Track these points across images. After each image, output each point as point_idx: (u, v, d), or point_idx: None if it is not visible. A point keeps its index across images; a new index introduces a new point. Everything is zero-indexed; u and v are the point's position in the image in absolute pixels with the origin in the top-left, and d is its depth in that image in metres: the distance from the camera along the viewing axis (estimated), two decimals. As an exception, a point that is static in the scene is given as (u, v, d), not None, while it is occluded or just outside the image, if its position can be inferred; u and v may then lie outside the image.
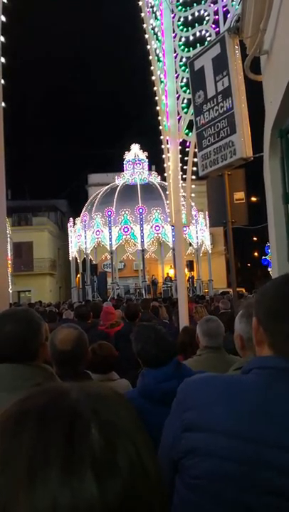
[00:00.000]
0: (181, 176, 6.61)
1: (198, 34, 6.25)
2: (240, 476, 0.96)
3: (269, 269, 29.30)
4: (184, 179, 6.62)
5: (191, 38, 6.36)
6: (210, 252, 28.35)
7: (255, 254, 42.52)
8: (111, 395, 0.55)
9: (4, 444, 0.47)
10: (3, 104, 3.00)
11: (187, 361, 2.89)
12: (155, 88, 6.69)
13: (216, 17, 5.89)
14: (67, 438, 0.46)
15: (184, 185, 6.66)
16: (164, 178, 13.53)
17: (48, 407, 0.50)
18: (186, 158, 6.51)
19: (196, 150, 5.44)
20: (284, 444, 0.94)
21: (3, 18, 3.23)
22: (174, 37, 6.55)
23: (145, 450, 0.51)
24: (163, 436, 1.18)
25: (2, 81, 3.02)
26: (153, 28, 6.65)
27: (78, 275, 27.77)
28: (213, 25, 5.95)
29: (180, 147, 6.55)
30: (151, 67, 6.69)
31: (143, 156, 28.39)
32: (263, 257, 29.93)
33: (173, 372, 2.10)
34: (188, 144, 6.44)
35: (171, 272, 25.86)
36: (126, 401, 0.56)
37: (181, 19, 6.46)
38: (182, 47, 6.48)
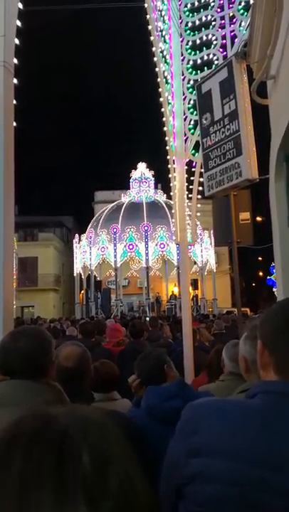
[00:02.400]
0: (187, 195, 6.66)
1: (205, 58, 6.39)
2: (240, 498, 0.96)
3: (274, 290, 29.14)
4: (189, 198, 6.67)
5: (199, 61, 6.50)
6: (215, 270, 28.31)
7: (260, 274, 42.37)
8: (99, 419, 0.55)
9: None
10: (14, 123, 3.09)
11: (208, 386, 2.83)
12: (163, 109, 6.81)
13: (224, 41, 6.03)
14: (58, 465, 0.46)
15: (189, 204, 6.71)
16: (169, 197, 13.65)
17: (38, 433, 0.49)
18: (192, 178, 6.58)
19: (202, 170, 5.49)
20: (285, 467, 0.94)
21: (17, 41, 3.33)
22: (182, 60, 6.69)
23: (135, 473, 0.51)
24: (166, 460, 1.17)
25: (14, 101, 3.12)
26: (162, 51, 6.80)
27: (82, 291, 27.77)
28: (221, 50, 6.08)
29: (186, 167, 6.62)
30: (160, 89, 6.82)
31: (149, 174, 28.68)
32: (268, 277, 29.83)
33: (176, 390, 2.08)
34: (194, 164, 6.51)
35: (176, 290, 25.79)
36: (114, 424, 0.56)
37: (190, 43, 6.61)
38: (190, 70, 6.61)
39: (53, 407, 0.56)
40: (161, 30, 6.83)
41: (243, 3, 5.76)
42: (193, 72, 6.55)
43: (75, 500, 0.44)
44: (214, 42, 6.19)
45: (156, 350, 2.51)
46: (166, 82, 6.77)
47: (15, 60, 3.28)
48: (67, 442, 0.48)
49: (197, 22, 6.45)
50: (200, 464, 1.02)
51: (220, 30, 6.11)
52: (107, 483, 0.47)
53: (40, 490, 0.44)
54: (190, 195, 6.64)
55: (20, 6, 3.39)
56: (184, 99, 6.61)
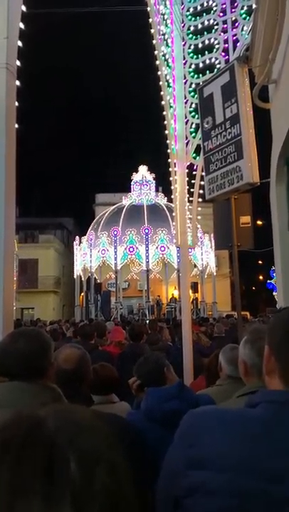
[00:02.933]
0: (188, 198, 6.67)
1: (208, 61, 6.41)
2: (240, 509, 0.94)
3: (274, 293, 29.11)
4: (190, 201, 6.68)
5: (201, 65, 6.52)
6: (215, 274, 28.29)
7: (260, 277, 42.34)
8: (89, 422, 0.54)
9: None
10: (16, 125, 3.10)
11: (206, 390, 2.80)
12: (164, 112, 6.82)
13: (226, 45, 6.06)
14: (46, 472, 0.46)
15: (190, 207, 6.71)
16: (170, 200, 13.68)
17: (26, 439, 0.49)
18: (193, 181, 6.58)
19: (204, 173, 5.50)
20: (286, 478, 0.93)
21: (20, 43, 3.35)
22: (184, 63, 6.71)
23: (124, 476, 0.51)
24: (165, 468, 1.15)
25: (16, 103, 3.13)
26: (164, 55, 6.82)
27: (82, 293, 27.75)
28: (223, 53, 6.11)
29: (187, 170, 6.63)
30: (161, 92, 6.84)
31: (150, 177, 28.72)
32: (268, 281, 29.83)
33: (175, 392, 2.10)
34: (195, 167, 6.52)
35: (176, 293, 25.78)
36: (104, 427, 0.56)
37: (192, 47, 6.63)
38: (192, 73, 6.63)
39: (43, 408, 0.55)
40: (164, 34, 6.85)
41: (245, 8, 5.79)
42: (195, 75, 6.57)
43: (63, 506, 0.45)
44: (216, 46, 6.21)
45: (155, 353, 2.52)
46: (168, 86, 6.79)
47: (18, 62, 3.29)
48: (55, 450, 0.48)
49: (199, 26, 6.47)
50: (200, 476, 1.00)
51: (222, 34, 6.13)
52: (94, 488, 0.47)
53: (30, 495, 0.44)
54: (191, 199, 6.65)
55: (24, 8, 3.41)
56: (186, 102, 6.63)
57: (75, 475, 0.47)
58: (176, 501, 1.06)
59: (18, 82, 3.25)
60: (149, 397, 2.14)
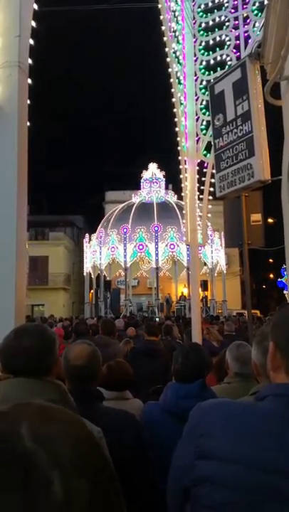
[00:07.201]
0: (198, 196, 6.66)
1: (219, 58, 6.39)
2: (250, 506, 0.94)
3: (285, 292, 28.93)
4: (200, 199, 6.67)
5: (212, 61, 6.50)
6: (225, 272, 28.18)
7: (271, 276, 42.07)
8: (73, 434, 0.49)
9: None
10: (27, 123, 3.13)
11: (215, 388, 2.83)
12: (175, 110, 6.81)
13: (237, 42, 6.02)
14: (24, 494, 0.41)
15: (200, 205, 6.70)
16: (180, 197, 13.63)
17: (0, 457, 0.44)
18: (203, 179, 6.57)
19: (214, 171, 5.48)
20: None
21: (32, 41, 3.36)
22: (195, 60, 6.69)
23: (107, 489, 0.47)
24: (174, 460, 1.16)
25: (28, 101, 3.16)
26: (175, 52, 6.80)
27: (92, 291, 27.85)
28: (234, 50, 6.07)
29: (198, 168, 6.61)
30: (172, 89, 6.83)
31: (160, 174, 28.67)
32: (279, 279, 29.66)
33: (196, 391, 2.12)
34: (205, 164, 6.50)
35: (185, 291, 25.74)
36: (86, 437, 0.51)
37: (203, 43, 6.61)
38: (203, 70, 6.61)
39: (16, 419, 0.51)
40: (175, 31, 6.83)
41: (257, 4, 5.75)
42: (206, 72, 6.55)
43: None
44: (228, 42, 6.18)
45: (202, 347, 2.60)
46: (179, 83, 6.77)
47: (29, 61, 3.31)
48: (34, 470, 0.43)
49: (211, 23, 6.44)
50: (208, 467, 1.01)
51: (233, 30, 6.10)
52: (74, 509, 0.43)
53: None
54: (201, 196, 6.64)
55: (36, 6, 3.42)
56: (197, 99, 6.61)
57: (58, 499, 0.42)
58: (185, 491, 1.07)
59: (29, 80, 3.27)
60: (169, 392, 2.19)
